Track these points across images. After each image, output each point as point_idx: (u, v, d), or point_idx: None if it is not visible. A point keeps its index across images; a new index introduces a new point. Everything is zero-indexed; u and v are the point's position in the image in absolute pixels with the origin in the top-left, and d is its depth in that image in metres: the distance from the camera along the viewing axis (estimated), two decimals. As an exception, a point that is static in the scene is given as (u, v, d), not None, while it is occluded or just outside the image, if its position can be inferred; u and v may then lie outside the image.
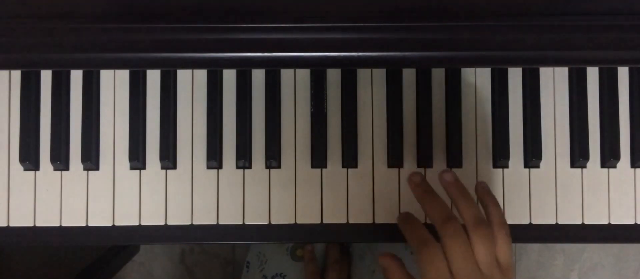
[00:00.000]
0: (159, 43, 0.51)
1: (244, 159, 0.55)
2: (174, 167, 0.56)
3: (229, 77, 0.56)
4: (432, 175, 0.55)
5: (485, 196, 0.50)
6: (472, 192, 0.50)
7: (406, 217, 0.50)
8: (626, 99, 0.56)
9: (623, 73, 0.56)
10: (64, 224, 0.56)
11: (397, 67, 0.56)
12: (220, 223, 0.55)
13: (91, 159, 0.55)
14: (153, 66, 0.55)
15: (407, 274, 0.48)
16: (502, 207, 0.55)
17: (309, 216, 0.55)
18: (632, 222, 0.55)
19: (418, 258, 0.46)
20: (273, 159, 0.55)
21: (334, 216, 0.55)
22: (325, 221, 0.55)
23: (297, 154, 0.56)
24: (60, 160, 0.55)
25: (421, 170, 0.55)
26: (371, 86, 0.56)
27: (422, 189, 0.50)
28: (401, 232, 0.50)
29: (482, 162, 0.56)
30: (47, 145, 0.56)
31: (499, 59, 0.52)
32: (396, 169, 0.55)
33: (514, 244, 1.21)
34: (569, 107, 0.56)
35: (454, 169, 0.55)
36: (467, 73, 0.56)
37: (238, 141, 0.56)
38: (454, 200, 0.49)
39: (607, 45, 0.51)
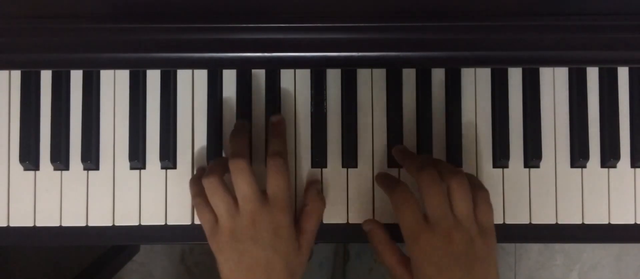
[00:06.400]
0: (159, 43, 0.51)
1: (244, 159, 0.55)
2: (174, 167, 0.56)
3: (229, 77, 0.56)
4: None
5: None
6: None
7: (383, 174, 0.53)
8: (626, 99, 0.56)
9: (623, 73, 0.56)
10: (64, 224, 0.56)
11: (397, 67, 0.56)
12: (220, 223, 0.55)
13: (91, 159, 0.55)
14: (153, 66, 0.55)
15: (388, 238, 0.51)
16: (502, 207, 0.55)
17: (309, 216, 0.55)
18: (632, 222, 0.55)
19: (392, 203, 0.48)
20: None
21: (334, 216, 0.55)
22: (325, 221, 0.55)
23: (297, 154, 0.56)
24: (60, 160, 0.55)
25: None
26: (371, 86, 0.56)
27: (404, 153, 0.52)
28: (380, 185, 0.53)
29: (482, 162, 0.56)
30: (47, 145, 0.56)
31: (499, 59, 0.52)
32: (396, 169, 0.55)
33: (513, 244, 1.22)
34: (569, 107, 0.56)
35: (454, 169, 0.55)
36: (467, 73, 0.56)
37: (238, 141, 0.55)
38: (433, 165, 0.48)
39: (607, 45, 0.51)
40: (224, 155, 0.56)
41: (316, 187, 0.54)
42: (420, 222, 0.46)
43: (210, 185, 0.49)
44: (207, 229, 0.50)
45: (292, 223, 0.49)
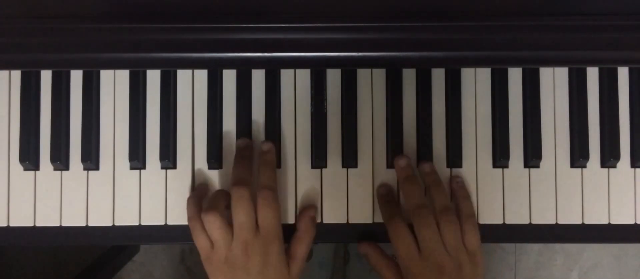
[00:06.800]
0: (159, 43, 0.51)
1: (244, 159, 0.55)
2: (174, 167, 0.56)
3: (230, 77, 0.56)
4: (432, 175, 0.54)
5: (458, 190, 0.54)
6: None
7: (384, 195, 0.55)
8: (626, 99, 0.56)
9: (623, 73, 0.56)
10: (64, 224, 0.56)
11: (397, 67, 0.56)
12: (220, 223, 0.55)
13: (91, 159, 0.55)
14: (153, 66, 0.55)
15: (385, 256, 0.55)
16: (501, 206, 0.55)
17: (309, 216, 0.55)
18: (632, 222, 0.55)
19: (388, 232, 0.52)
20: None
21: (334, 216, 0.55)
22: (325, 221, 0.55)
23: (297, 154, 0.56)
24: (60, 160, 0.55)
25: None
26: (371, 86, 0.56)
27: (406, 173, 0.54)
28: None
29: (482, 162, 0.56)
30: (47, 145, 0.56)
31: (499, 59, 0.52)
32: (396, 169, 0.55)
33: (513, 244, 1.21)
34: (569, 107, 0.56)
35: (454, 169, 0.55)
36: (467, 73, 0.56)
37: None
38: (429, 188, 0.53)
39: (607, 45, 0.51)
40: (223, 155, 0.56)
41: (310, 214, 0.54)
42: (414, 255, 0.51)
43: (209, 222, 0.50)
44: (202, 253, 0.52)
45: (281, 250, 0.52)
